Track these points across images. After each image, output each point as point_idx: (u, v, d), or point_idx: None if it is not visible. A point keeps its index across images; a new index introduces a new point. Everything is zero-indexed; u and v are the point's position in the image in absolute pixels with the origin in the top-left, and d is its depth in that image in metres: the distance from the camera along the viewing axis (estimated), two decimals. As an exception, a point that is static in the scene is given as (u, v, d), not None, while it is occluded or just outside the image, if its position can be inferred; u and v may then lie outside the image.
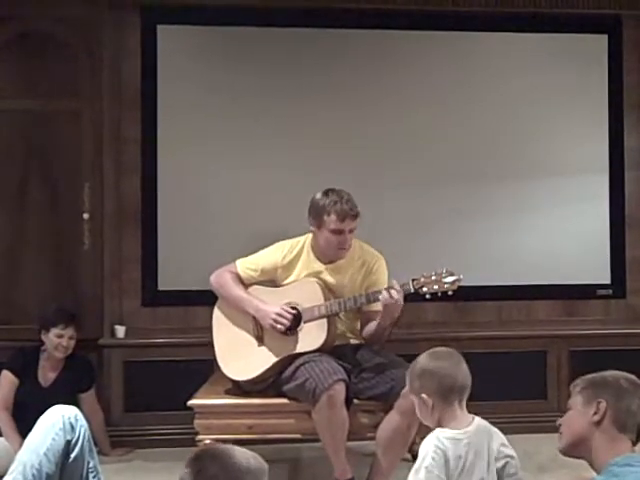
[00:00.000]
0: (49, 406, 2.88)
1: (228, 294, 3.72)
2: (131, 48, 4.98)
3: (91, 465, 2.78)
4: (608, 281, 5.25)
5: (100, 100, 4.84)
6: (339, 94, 5.09)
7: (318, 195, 3.65)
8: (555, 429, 4.84)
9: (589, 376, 2.25)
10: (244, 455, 1.88)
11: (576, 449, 2.21)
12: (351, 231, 3.61)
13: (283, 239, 3.85)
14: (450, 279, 3.45)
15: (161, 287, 4.97)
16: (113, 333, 4.87)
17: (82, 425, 2.79)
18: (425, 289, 3.45)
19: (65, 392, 4.20)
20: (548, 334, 5.12)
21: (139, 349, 4.87)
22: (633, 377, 2.22)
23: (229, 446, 1.95)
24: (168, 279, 4.97)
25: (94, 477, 2.78)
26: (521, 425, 4.94)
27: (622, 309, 5.29)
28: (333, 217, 3.56)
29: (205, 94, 5.02)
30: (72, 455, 2.74)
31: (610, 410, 2.13)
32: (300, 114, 5.07)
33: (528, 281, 5.18)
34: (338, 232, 3.58)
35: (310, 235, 3.76)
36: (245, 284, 3.75)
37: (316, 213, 3.63)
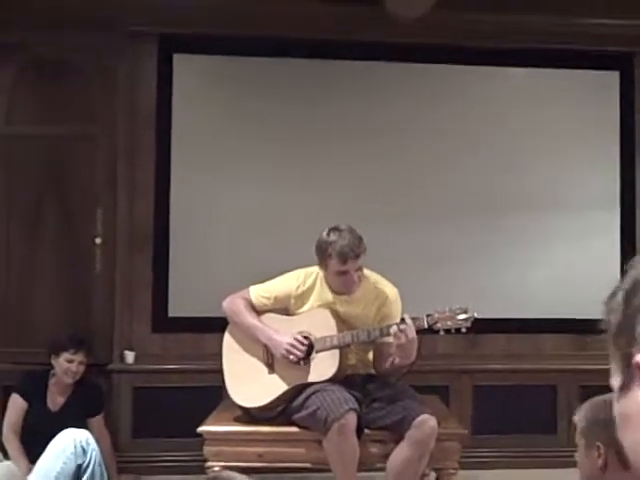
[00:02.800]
0: (58, 430, 2.88)
1: (240, 321, 3.72)
2: (147, 75, 5.03)
3: (102, 489, 2.78)
4: (619, 316, 5.22)
5: (115, 126, 4.88)
6: (352, 124, 5.11)
7: (323, 234, 3.62)
8: (564, 464, 4.82)
9: (587, 409, 2.21)
10: None
11: None
12: (357, 269, 3.59)
13: (295, 266, 3.84)
14: (463, 316, 3.46)
15: (171, 313, 4.99)
16: (123, 359, 4.87)
17: (94, 449, 2.80)
18: (439, 325, 3.45)
19: (74, 417, 4.17)
20: (558, 368, 5.10)
21: (148, 375, 4.87)
22: None
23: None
24: (178, 305, 4.98)
25: (105, 501, 2.77)
26: (530, 460, 4.93)
27: (632, 344, 5.25)
28: (334, 260, 3.54)
29: (218, 122, 5.06)
30: (83, 479, 2.73)
31: (610, 450, 2.10)
32: (313, 142, 5.11)
33: (538, 314, 5.17)
34: (342, 273, 3.57)
35: (323, 265, 3.76)
36: (258, 311, 3.74)
37: (320, 254, 3.61)
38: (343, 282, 3.60)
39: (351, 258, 3.53)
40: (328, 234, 3.60)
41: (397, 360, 3.49)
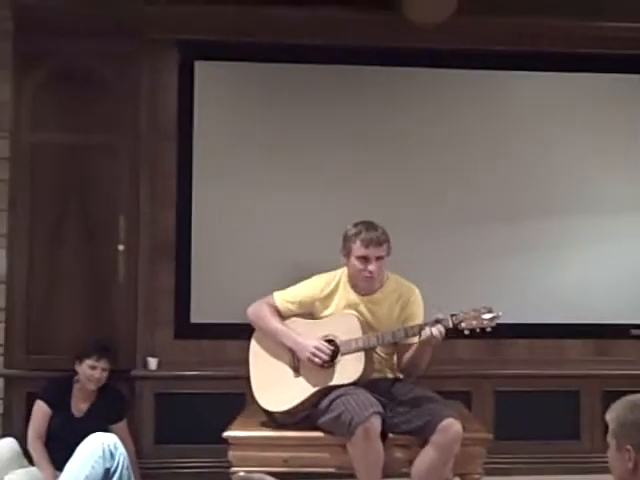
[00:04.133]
0: (82, 437, 2.89)
1: (266, 326, 3.74)
2: (168, 83, 5.06)
3: (130, 493, 2.79)
4: (643, 321, 5.22)
5: (137, 134, 4.90)
6: (373, 128, 5.11)
7: (349, 226, 3.75)
8: (588, 470, 4.81)
9: (619, 409, 2.19)
10: None
11: None
12: (378, 259, 3.65)
13: (317, 272, 3.88)
14: (488, 316, 3.47)
15: (194, 320, 5.00)
16: (145, 365, 4.89)
17: (121, 453, 2.81)
18: (464, 324, 3.46)
19: (97, 423, 4.19)
20: (581, 374, 5.07)
21: (171, 381, 4.89)
22: None
23: (268, 477, 1.98)
24: (201, 312, 5.00)
25: (133, 505, 2.78)
26: (554, 466, 4.91)
27: (656, 350, 5.24)
28: (358, 243, 3.64)
29: (240, 128, 5.07)
30: (111, 483, 2.74)
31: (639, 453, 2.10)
32: (334, 147, 5.10)
33: (561, 319, 5.16)
34: (364, 259, 3.63)
35: (345, 269, 3.79)
36: (283, 316, 3.76)
37: (345, 242, 3.72)
38: (363, 270, 3.65)
39: (374, 244, 3.62)
40: (355, 225, 3.72)
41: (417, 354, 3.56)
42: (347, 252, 3.70)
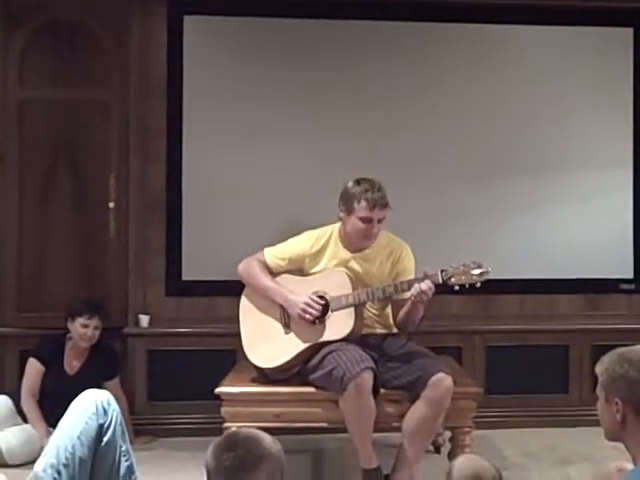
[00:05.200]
0: (75, 394, 2.88)
1: (256, 283, 3.74)
2: (158, 38, 4.99)
3: (123, 449, 2.79)
4: (631, 276, 5.23)
5: (127, 90, 4.87)
6: (363, 86, 5.07)
7: (350, 183, 3.68)
8: (576, 423, 4.87)
9: (608, 362, 2.19)
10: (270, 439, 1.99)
11: (615, 439, 2.20)
12: (380, 221, 3.62)
13: (307, 229, 3.87)
14: (478, 271, 3.46)
15: (185, 277, 4.99)
16: (137, 322, 4.90)
17: (114, 409, 2.81)
18: (453, 280, 3.46)
19: (90, 380, 4.18)
20: (570, 328, 5.11)
21: (163, 338, 4.90)
22: None
23: (257, 431, 2.02)
24: (192, 269, 4.99)
25: (126, 461, 2.79)
26: (543, 419, 4.97)
27: (645, 304, 5.28)
28: (363, 204, 3.58)
29: (230, 84, 5.03)
30: (105, 439, 2.75)
31: (628, 405, 2.12)
32: (326, 104, 5.06)
33: (551, 275, 5.17)
34: (367, 220, 3.60)
35: (338, 225, 3.77)
36: (273, 273, 3.76)
37: (347, 200, 3.65)
38: (364, 232, 3.62)
39: (379, 206, 3.58)
40: (358, 182, 3.65)
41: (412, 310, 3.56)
42: (348, 210, 3.64)
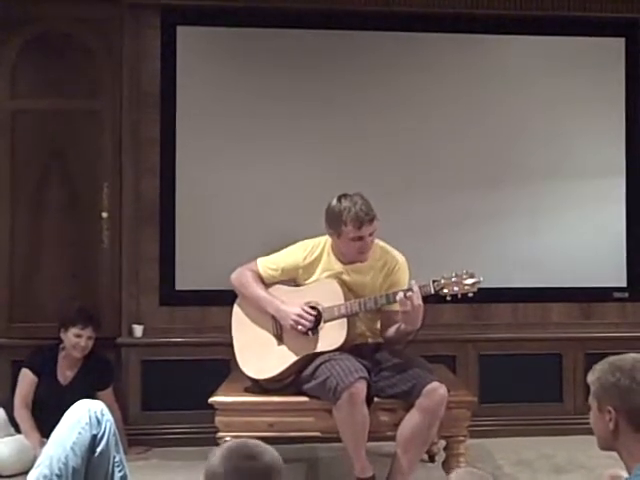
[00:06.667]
0: (68, 404, 2.88)
1: (248, 293, 3.73)
2: (151, 49, 5.01)
3: (117, 459, 2.79)
4: (624, 284, 5.25)
5: (120, 100, 4.87)
6: (357, 96, 5.10)
7: (333, 202, 3.62)
8: (570, 431, 4.87)
9: (601, 371, 2.18)
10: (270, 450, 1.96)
11: (608, 448, 2.20)
12: (371, 234, 3.59)
13: (300, 239, 3.85)
14: (470, 281, 3.45)
15: (178, 287, 5.00)
16: (131, 332, 4.90)
17: (108, 420, 2.80)
18: (445, 290, 3.45)
19: (83, 390, 4.17)
20: (564, 337, 5.12)
21: (156, 348, 4.90)
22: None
23: (254, 441, 2.00)
24: (185, 279, 4.99)
25: (120, 471, 2.79)
26: (537, 428, 4.96)
27: (638, 312, 5.27)
28: (350, 227, 3.53)
29: (223, 95, 5.04)
30: (98, 449, 2.75)
31: (621, 414, 2.11)
32: (318, 115, 5.09)
33: (544, 283, 5.19)
34: (358, 239, 3.57)
35: (329, 237, 3.74)
36: (266, 283, 3.75)
37: (332, 222, 3.60)
38: (358, 249, 3.60)
39: (366, 223, 3.53)
40: (339, 201, 3.59)
41: (403, 327, 3.50)
42: (337, 233, 3.59)
